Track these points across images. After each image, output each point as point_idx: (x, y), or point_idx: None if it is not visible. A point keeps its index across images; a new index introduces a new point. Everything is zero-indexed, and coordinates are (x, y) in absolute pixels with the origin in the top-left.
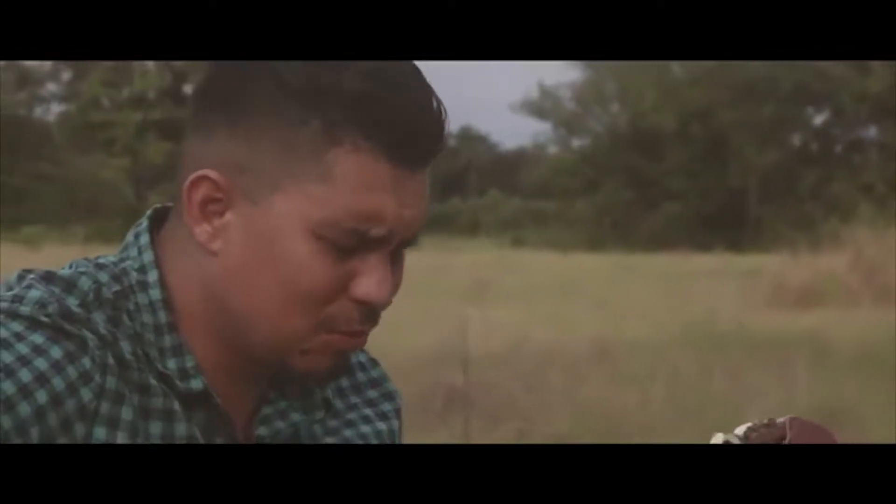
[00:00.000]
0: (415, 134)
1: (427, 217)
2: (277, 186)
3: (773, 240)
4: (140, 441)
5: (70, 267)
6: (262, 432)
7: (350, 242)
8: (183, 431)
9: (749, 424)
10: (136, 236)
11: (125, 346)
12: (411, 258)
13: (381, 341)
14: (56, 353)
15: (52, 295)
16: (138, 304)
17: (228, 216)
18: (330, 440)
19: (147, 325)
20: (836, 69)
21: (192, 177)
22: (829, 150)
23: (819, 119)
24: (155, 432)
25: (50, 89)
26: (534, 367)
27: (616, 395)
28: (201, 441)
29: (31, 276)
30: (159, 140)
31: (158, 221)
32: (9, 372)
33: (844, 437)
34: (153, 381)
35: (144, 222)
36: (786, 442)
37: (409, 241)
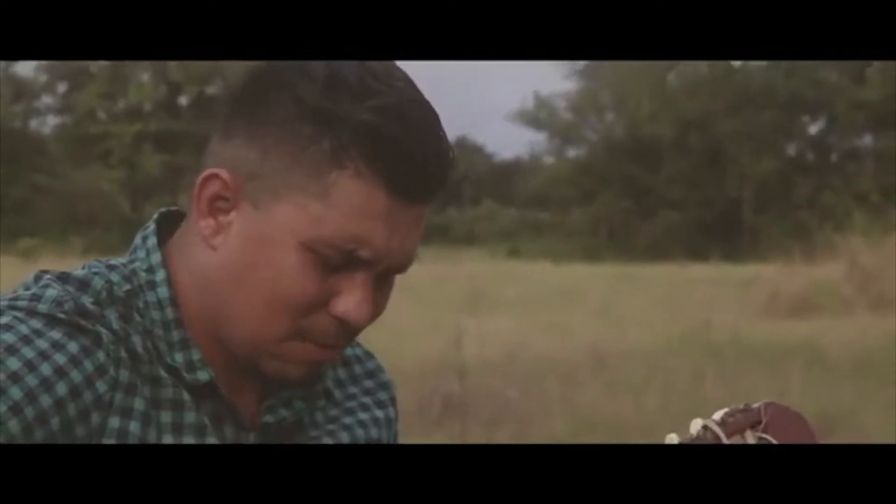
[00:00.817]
0: (416, 171)
1: (415, 250)
2: (279, 196)
3: (769, 249)
4: (152, 429)
5: (83, 268)
6: (268, 419)
7: (337, 260)
8: (192, 419)
9: (726, 409)
10: (144, 239)
11: (136, 341)
12: (412, 268)
13: (380, 348)
14: (73, 347)
15: (67, 294)
16: (147, 301)
17: (232, 215)
18: (331, 427)
19: (156, 321)
20: (832, 78)
21: (205, 173)
22: (825, 159)
23: (815, 128)
24: (166, 421)
25: (46, 102)
26: (530, 375)
27: (612, 402)
28: (210, 428)
29: (48, 276)
30: (155, 152)
31: (165, 225)
32: (30, 366)
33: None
34: (163, 374)
35: (152, 226)
36: (761, 426)
37: (398, 269)
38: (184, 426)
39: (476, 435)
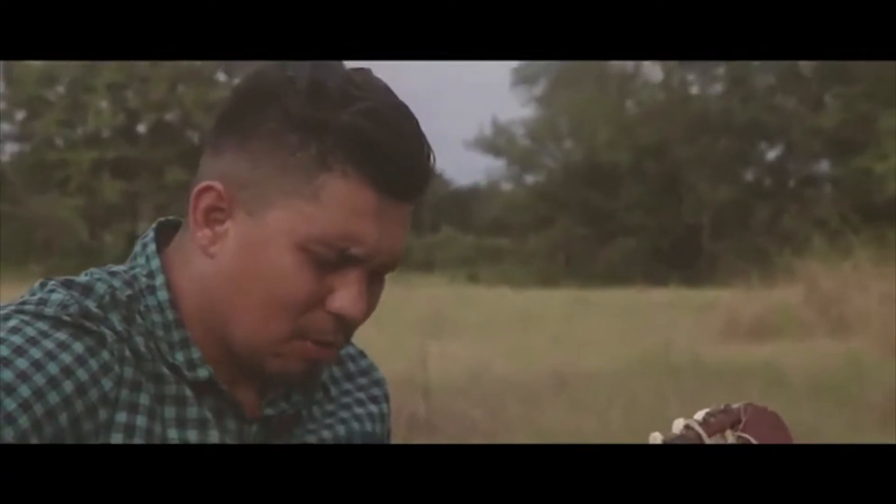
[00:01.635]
0: (400, 170)
1: (404, 248)
2: (272, 202)
3: (728, 274)
4: (157, 423)
5: (86, 275)
6: (269, 412)
7: (331, 259)
8: (195, 414)
9: (707, 410)
10: (144, 246)
11: (139, 341)
12: None
13: None
14: (78, 348)
15: (72, 298)
16: (148, 305)
17: (227, 224)
18: (328, 421)
19: (157, 322)
20: (789, 104)
21: (199, 186)
22: (783, 184)
23: (772, 154)
24: (170, 416)
25: (3, 129)
26: (493, 396)
27: (575, 421)
28: (212, 422)
29: (52, 282)
30: (114, 179)
31: (162, 233)
32: (38, 366)
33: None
34: (166, 371)
35: (151, 234)
36: (741, 426)
37: (389, 267)
38: (187, 420)
39: None
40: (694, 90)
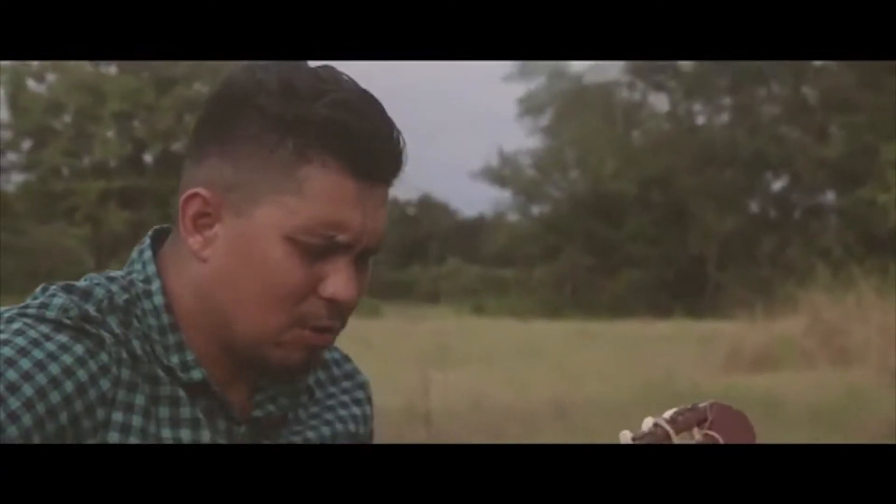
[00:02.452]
0: (375, 154)
1: (385, 230)
2: (258, 200)
3: (732, 305)
4: (152, 423)
5: (86, 280)
6: (257, 413)
7: (319, 247)
8: (188, 414)
9: (675, 409)
10: (140, 253)
11: (136, 344)
12: (374, 325)
13: None
14: (78, 349)
15: (72, 302)
16: (145, 309)
17: (217, 228)
18: (313, 423)
19: (153, 326)
20: (793, 135)
21: (185, 194)
22: (788, 215)
23: (777, 185)
24: (164, 416)
25: (10, 158)
26: (493, 424)
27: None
28: (204, 422)
29: (54, 287)
30: (120, 208)
31: (158, 241)
32: (41, 366)
33: None
34: (160, 373)
35: (147, 241)
36: (707, 423)
37: (373, 250)
38: (180, 420)
39: None
40: (700, 121)
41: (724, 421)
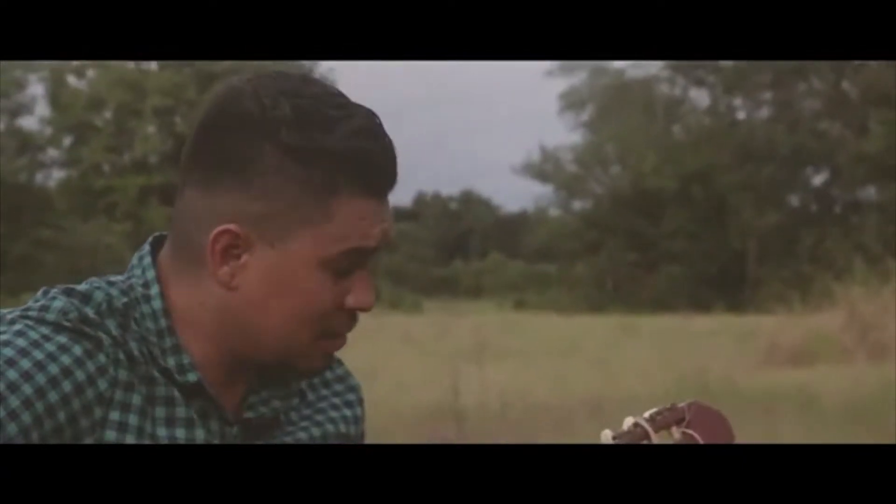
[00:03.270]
0: (389, 171)
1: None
2: (291, 231)
3: (771, 299)
4: (148, 422)
5: (86, 284)
6: (249, 415)
7: (348, 264)
8: (183, 414)
9: (655, 409)
10: (140, 258)
11: (133, 346)
12: (415, 321)
13: (385, 397)
14: (77, 351)
15: (72, 305)
16: (143, 312)
17: (245, 258)
18: (304, 424)
19: (150, 329)
20: (834, 130)
21: (216, 231)
22: (828, 210)
23: (818, 180)
24: (160, 415)
25: (51, 155)
26: (528, 421)
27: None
28: (198, 422)
29: (54, 290)
30: (161, 205)
31: (157, 246)
32: (40, 366)
33: None
34: (157, 374)
35: (147, 247)
36: (684, 423)
37: (381, 249)
38: (175, 420)
39: None
40: (740, 116)
41: (702, 420)
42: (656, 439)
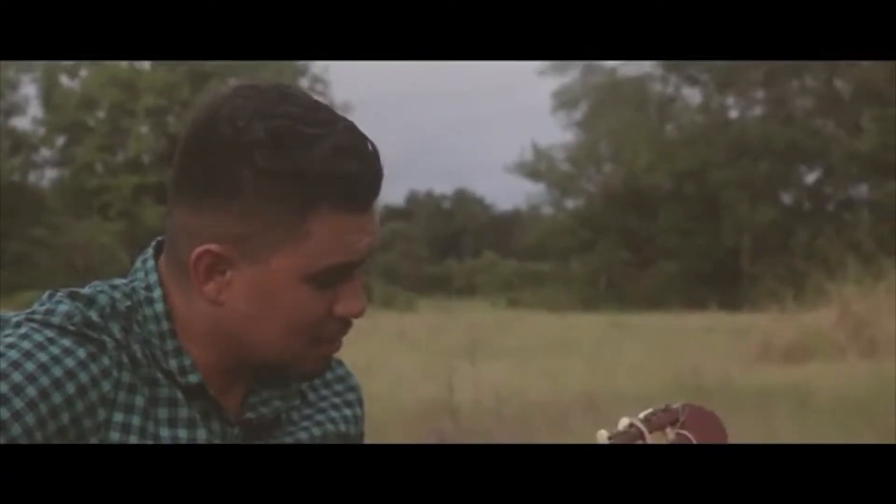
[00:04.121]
0: (372, 185)
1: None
2: (272, 249)
3: (765, 297)
4: (151, 422)
5: (90, 287)
6: (249, 416)
7: (333, 276)
8: (185, 415)
9: (650, 410)
10: (144, 262)
11: (136, 349)
12: (410, 319)
13: (382, 393)
14: (81, 353)
15: (76, 308)
16: (146, 315)
17: (229, 274)
18: (305, 424)
19: (153, 332)
20: (828, 128)
21: (197, 251)
22: (821, 208)
23: (811, 177)
24: (162, 416)
25: (44, 155)
26: (522, 418)
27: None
28: (200, 422)
29: (59, 293)
30: (155, 204)
31: (160, 250)
32: (44, 368)
33: None
34: (160, 376)
35: (150, 251)
36: (678, 424)
37: (368, 259)
38: (178, 420)
39: None
40: (733, 114)
41: (696, 421)
42: (651, 440)
